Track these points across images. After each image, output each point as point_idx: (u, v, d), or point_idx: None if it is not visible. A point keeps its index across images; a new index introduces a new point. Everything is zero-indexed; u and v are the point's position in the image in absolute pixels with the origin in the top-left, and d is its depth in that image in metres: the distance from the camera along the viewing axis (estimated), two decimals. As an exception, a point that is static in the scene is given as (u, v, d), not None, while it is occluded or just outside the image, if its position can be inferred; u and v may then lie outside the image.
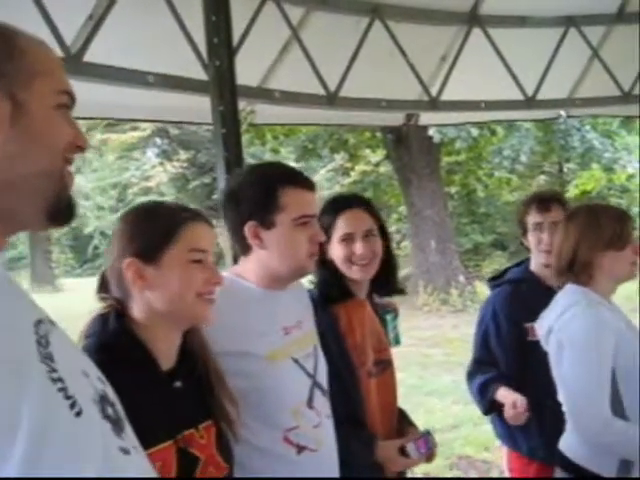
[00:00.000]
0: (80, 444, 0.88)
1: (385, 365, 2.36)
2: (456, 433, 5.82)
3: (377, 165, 18.91)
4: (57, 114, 1.01)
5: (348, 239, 2.26)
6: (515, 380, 2.83)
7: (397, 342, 2.61)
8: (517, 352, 2.85)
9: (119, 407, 1.04)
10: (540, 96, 5.19)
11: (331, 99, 4.49)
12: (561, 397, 2.38)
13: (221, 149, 3.49)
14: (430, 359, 9.24)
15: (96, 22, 3.33)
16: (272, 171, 2.00)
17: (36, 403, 0.83)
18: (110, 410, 0.98)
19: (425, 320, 12.52)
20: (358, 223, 2.27)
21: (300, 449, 1.88)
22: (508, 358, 2.89)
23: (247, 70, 3.90)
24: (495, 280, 3.10)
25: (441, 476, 5.10)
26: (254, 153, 17.90)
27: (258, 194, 1.88)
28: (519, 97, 5.15)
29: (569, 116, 6.33)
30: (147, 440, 1.32)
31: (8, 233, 1.01)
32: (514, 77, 5.07)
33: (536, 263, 2.95)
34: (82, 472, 0.86)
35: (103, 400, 0.98)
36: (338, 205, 2.32)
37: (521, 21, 5.03)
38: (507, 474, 3.11)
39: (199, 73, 3.69)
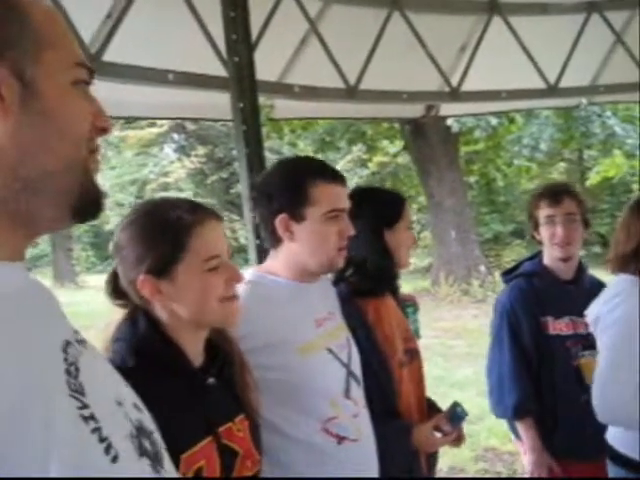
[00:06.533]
0: None
1: (413, 354, 2.38)
2: (481, 425, 5.76)
3: (395, 156, 18.86)
4: (74, 92, 0.82)
5: None
6: (535, 376, 2.77)
7: (417, 335, 2.60)
8: (536, 346, 2.77)
9: (157, 435, 0.92)
10: (562, 84, 5.12)
11: (351, 92, 4.46)
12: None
13: (242, 146, 3.47)
14: (452, 350, 9.22)
15: (115, 21, 3.32)
16: (302, 165, 2.02)
17: (67, 448, 0.70)
18: (147, 443, 0.86)
19: (448, 311, 12.45)
20: None
21: (340, 439, 1.89)
22: (528, 352, 2.79)
23: (266, 65, 3.87)
24: (509, 274, 3.01)
25: (468, 469, 5.08)
26: (271, 147, 17.88)
27: (289, 188, 1.89)
28: (541, 86, 5.09)
29: (591, 103, 6.24)
30: (189, 439, 1.39)
31: (29, 238, 0.84)
32: (536, 65, 5.00)
33: (550, 257, 2.85)
34: None
35: (140, 433, 0.85)
36: None
37: (542, 8, 4.95)
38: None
39: (218, 70, 3.67)
